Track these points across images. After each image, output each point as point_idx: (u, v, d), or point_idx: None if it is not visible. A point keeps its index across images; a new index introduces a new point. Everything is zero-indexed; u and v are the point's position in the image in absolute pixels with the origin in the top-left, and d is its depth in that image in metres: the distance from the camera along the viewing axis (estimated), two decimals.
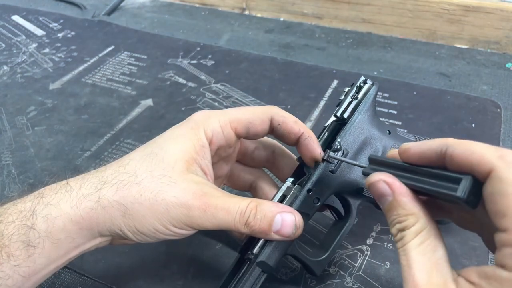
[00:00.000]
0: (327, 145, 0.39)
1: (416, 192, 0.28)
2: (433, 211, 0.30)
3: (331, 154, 0.36)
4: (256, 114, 0.38)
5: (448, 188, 0.25)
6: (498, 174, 0.23)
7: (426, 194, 0.28)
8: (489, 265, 0.25)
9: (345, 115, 0.39)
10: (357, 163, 0.34)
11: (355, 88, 0.40)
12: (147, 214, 0.33)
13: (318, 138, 0.39)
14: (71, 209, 0.32)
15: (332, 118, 0.40)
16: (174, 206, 0.33)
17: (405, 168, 0.29)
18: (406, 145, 0.29)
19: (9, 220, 0.31)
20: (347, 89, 0.41)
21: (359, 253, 0.44)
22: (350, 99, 0.40)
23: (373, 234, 0.45)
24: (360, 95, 0.40)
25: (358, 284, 0.41)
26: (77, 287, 0.42)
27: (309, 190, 0.36)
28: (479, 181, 0.25)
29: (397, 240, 0.28)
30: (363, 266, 0.42)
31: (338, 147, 0.37)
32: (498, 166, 0.23)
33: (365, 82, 0.41)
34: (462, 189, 0.24)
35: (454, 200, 0.25)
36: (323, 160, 0.37)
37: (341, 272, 0.42)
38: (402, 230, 0.28)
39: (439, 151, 0.27)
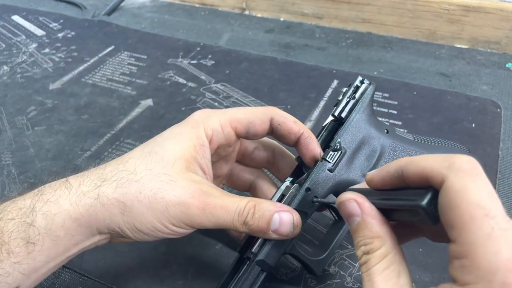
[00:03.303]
0: (326, 144, 0.39)
1: (386, 214, 0.28)
2: (405, 234, 0.30)
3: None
4: (256, 114, 0.38)
5: (412, 200, 0.25)
6: (447, 184, 0.23)
7: (394, 214, 0.28)
8: (445, 284, 0.24)
9: (343, 115, 0.39)
10: (329, 201, 0.35)
11: (352, 88, 0.41)
12: (146, 212, 0.33)
13: (316, 138, 0.39)
14: (70, 206, 0.32)
15: (330, 118, 0.40)
16: (173, 205, 0.33)
17: (375, 194, 0.29)
18: (370, 175, 0.29)
19: (9, 217, 0.31)
20: (344, 89, 0.41)
21: None
22: (348, 99, 0.40)
23: None
24: (357, 95, 0.40)
25: (358, 284, 0.41)
26: (77, 287, 0.42)
27: (307, 189, 0.36)
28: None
29: (362, 263, 0.27)
30: None
31: (338, 147, 0.37)
32: (447, 175, 0.23)
33: (362, 82, 0.41)
34: (423, 199, 0.24)
35: (417, 212, 0.25)
36: (323, 159, 0.37)
37: (341, 272, 0.42)
38: (367, 253, 0.27)
39: (397, 174, 0.26)
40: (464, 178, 0.23)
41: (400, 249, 0.27)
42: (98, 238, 0.34)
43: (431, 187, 0.24)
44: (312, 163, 0.38)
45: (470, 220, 0.22)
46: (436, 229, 0.28)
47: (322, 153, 0.38)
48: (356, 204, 0.28)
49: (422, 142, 0.42)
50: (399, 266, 0.26)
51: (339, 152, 0.37)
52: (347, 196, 0.29)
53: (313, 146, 0.38)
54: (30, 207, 0.32)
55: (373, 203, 0.28)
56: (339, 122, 0.40)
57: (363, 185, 0.31)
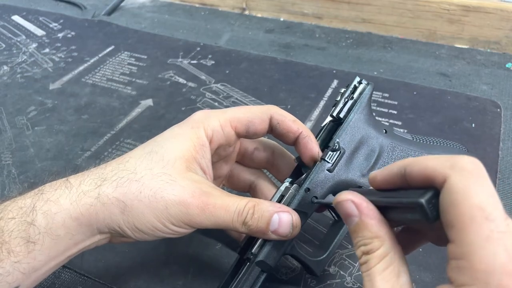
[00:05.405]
0: (325, 144, 0.39)
1: (385, 214, 0.28)
2: (411, 241, 0.30)
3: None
4: (255, 113, 0.38)
5: (411, 197, 0.25)
6: (449, 183, 0.23)
7: (393, 213, 0.28)
8: (443, 285, 0.24)
9: (341, 115, 0.39)
10: (328, 201, 0.34)
11: (350, 89, 0.41)
12: (146, 211, 0.33)
13: (315, 138, 0.40)
14: (70, 205, 0.32)
15: (329, 118, 0.41)
16: (173, 204, 0.33)
17: (376, 194, 0.29)
18: (372, 174, 0.29)
19: (9, 217, 0.31)
20: (342, 90, 0.41)
21: None
22: (346, 99, 0.40)
23: None
24: (355, 95, 0.40)
25: (358, 284, 0.41)
26: (77, 287, 0.42)
27: (306, 189, 0.36)
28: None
29: (362, 263, 0.27)
30: None
31: (337, 147, 0.37)
32: (450, 175, 0.23)
33: (360, 82, 0.41)
34: (423, 197, 0.24)
35: (415, 210, 0.24)
36: (322, 159, 0.37)
37: (341, 272, 0.42)
38: (366, 253, 0.27)
39: (400, 174, 0.26)
40: (467, 179, 0.23)
41: (399, 248, 0.27)
42: (98, 237, 0.34)
43: (432, 187, 0.24)
44: (311, 163, 0.38)
45: (469, 221, 0.22)
46: (439, 232, 0.27)
47: (321, 153, 0.38)
48: (354, 204, 0.28)
49: (421, 141, 0.42)
50: (398, 266, 0.26)
51: (338, 152, 0.37)
52: (343, 196, 0.28)
53: (312, 146, 0.38)
54: (31, 206, 0.32)
55: (372, 201, 0.28)
56: (337, 123, 0.40)
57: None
